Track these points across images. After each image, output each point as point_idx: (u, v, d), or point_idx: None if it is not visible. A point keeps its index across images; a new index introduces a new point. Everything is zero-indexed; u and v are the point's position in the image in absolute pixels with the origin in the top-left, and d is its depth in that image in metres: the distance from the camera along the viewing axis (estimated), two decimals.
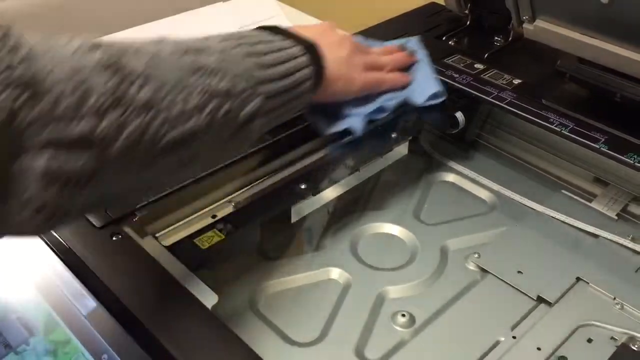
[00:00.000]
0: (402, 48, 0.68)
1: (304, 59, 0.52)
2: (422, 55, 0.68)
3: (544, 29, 0.66)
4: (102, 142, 0.34)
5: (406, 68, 0.66)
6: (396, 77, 0.64)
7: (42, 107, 0.31)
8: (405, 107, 0.64)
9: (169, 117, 0.38)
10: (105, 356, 0.42)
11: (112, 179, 0.36)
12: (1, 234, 0.34)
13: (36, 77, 0.31)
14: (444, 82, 0.68)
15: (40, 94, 0.31)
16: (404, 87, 0.64)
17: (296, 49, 0.52)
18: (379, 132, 0.65)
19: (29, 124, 0.31)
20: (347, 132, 0.60)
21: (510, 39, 0.76)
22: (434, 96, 0.64)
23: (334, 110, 0.61)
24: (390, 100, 0.63)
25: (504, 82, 0.69)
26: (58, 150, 0.32)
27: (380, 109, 0.62)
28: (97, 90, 0.34)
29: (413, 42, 0.69)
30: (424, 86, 0.64)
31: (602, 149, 0.59)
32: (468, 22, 0.80)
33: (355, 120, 0.60)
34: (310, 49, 0.53)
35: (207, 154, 0.44)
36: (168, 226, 0.52)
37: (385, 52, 0.66)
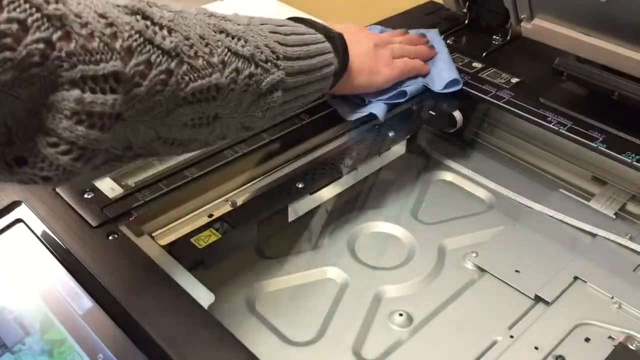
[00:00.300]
0: (422, 38, 0.71)
1: (327, 45, 0.54)
2: (441, 46, 0.70)
3: (542, 27, 0.66)
4: (129, 82, 0.35)
5: (426, 59, 0.69)
6: (419, 65, 0.67)
7: (74, 45, 0.32)
8: (422, 95, 0.67)
9: (193, 66, 0.39)
10: (100, 356, 0.42)
11: (136, 124, 0.37)
12: (34, 177, 0.35)
13: (67, 17, 0.32)
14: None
15: (73, 33, 0.32)
16: (424, 75, 0.67)
17: (320, 36, 0.53)
18: (377, 131, 0.65)
19: (62, 60, 0.32)
20: (369, 117, 0.63)
21: (508, 37, 0.76)
22: (452, 83, 0.66)
23: (356, 95, 0.64)
24: (410, 86, 0.65)
25: (502, 81, 0.69)
26: (87, 87, 0.33)
27: (400, 94, 0.64)
28: (126, 32, 0.35)
29: (432, 34, 0.72)
30: (443, 74, 0.67)
31: (600, 147, 0.59)
32: (466, 21, 0.80)
33: (377, 106, 0.63)
34: (335, 38, 0.55)
35: (227, 116, 0.44)
36: (164, 225, 0.52)
37: (408, 41, 0.69)
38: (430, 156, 0.72)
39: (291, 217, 0.59)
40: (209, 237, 0.52)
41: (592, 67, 0.64)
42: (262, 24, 0.48)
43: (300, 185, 0.58)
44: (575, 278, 0.56)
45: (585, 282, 0.55)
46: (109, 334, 0.43)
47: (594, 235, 0.60)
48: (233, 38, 0.43)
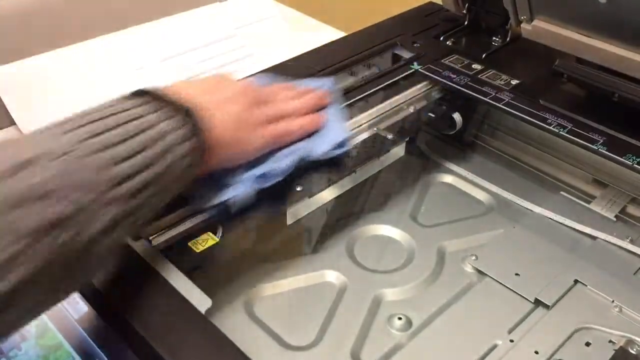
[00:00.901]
0: (310, 89, 0.60)
1: (179, 132, 0.43)
2: (333, 98, 0.61)
3: (542, 28, 0.66)
4: None
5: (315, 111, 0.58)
6: (307, 122, 0.56)
7: None
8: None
9: None
10: None
11: None
12: None
13: None
14: (441, 83, 0.68)
15: None
16: (315, 131, 0.57)
17: (169, 122, 0.43)
18: (376, 133, 0.64)
19: None
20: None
21: (508, 39, 0.76)
22: (340, 145, 0.57)
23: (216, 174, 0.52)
24: (283, 159, 0.54)
25: (502, 83, 0.68)
26: None
27: (268, 175, 0.53)
28: None
29: (328, 83, 0.62)
30: (330, 133, 0.57)
31: (600, 150, 0.58)
32: (466, 22, 0.79)
33: (241, 188, 0.52)
34: (188, 113, 0.44)
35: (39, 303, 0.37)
36: (162, 229, 0.52)
37: (293, 95, 0.59)
38: (429, 158, 0.71)
39: (290, 221, 0.59)
40: (206, 241, 0.51)
41: (593, 68, 0.64)
42: (85, 139, 0.38)
43: (298, 189, 0.57)
44: (576, 281, 0.55)
45: (586, 285, 0.55)
46: (104, 339, 0.43)
47: (594, 238, 0.60)
48: (37, 200, 0.34)
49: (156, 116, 0.43)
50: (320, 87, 0.61)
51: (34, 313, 0.37)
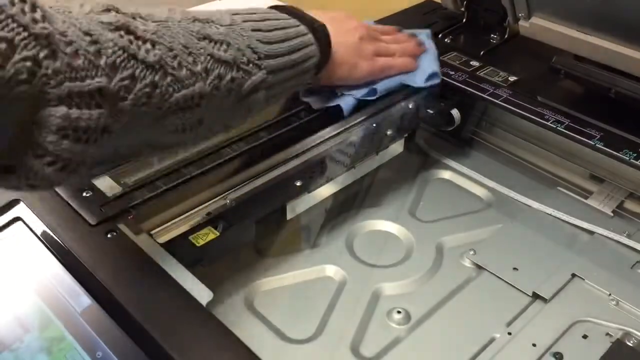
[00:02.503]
0: (412, 37, 0.71)
1: (309, 37, 0.54)
2: (430, 45, 0.70)
3: (540, 26, 0.67)
4: (114, 97, 0.36)
5: (412, 56, 0.68)
6: (404, 63, 0.66)
7: (60, 62, 0.33)
8: (404, 90, 0.67)
9: (177, 77, 0.40)
10: (99, 353, 0.42)
11: (122, 135, 0.38)
12: (20, 185, 0.36)
13: (54, 35, 0.33)
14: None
15: (59, 51, 0.33)
16: (411, 71, 0.67)
17: (303, 28, 0.54)
18: (375, 129, 0.65)
19: (48, 78, 0.33)
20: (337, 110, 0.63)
21: (506, 36, 0.76)
22: (431, 77, 0.66)
23: (329, 86, 0.63)
24: (386, 84, 0.65)
25: (500, 80, 0.69)
26: (74, 103, 0.34)
27: (371, 91, 0.64)
28: (110, 48, 0.36)
29: (424, 35, 0.72)
30: (424, 69, 0.67)
31: (597, 145, 0.59)
32: (464, 20, 0.80)
33: (346, 100, 0.63)
34: (318, 29, 0.55)
35: (211, 120, 0.46)
36: (163, 223, 0.52)
37: (396, 39, 0.69)
38: (428, 154, 0.72)
39: (289, 216, 0.59)
40: (207, 235, 0.52)
41: (590, 65, 0.64)
42: (244, 21, 0.48)
43: (298, 184, 0.58)
44: (573, 275, 0.56)
45: (583, 279, 0.55)
46: (107, 332, 0.43)
47: (591, 233, 0.60)
48: (216, 43, 0.44)
49: (295, 21, 0.54)
50: (418, 34, 0.72)
51: (210, 125, 0.46)
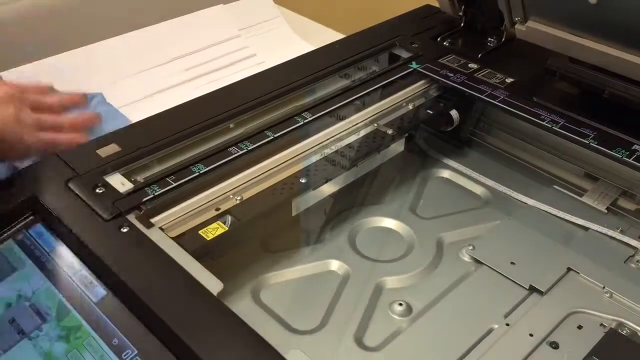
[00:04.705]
0: (84, 99, 0.68)
1: None
2: (107, 108, 0.69)
3: (536, 29, 0.68)
4: None
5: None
6: (73, 139, 0.61)
7: None
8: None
9: None
10: (115, 340, 0.44)
11: None
12: None
13: None
14: (438, 81, 0.71)
15: None
16: None
17: None
18: (376, 129, 0.67)
19: None
20: None
21: (503, 39, 0.78)
22: None
23: None
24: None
25: (497, 81, 0.71)
26: None
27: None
28: None
29: (98, 98, 0.69)
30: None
31: (591, 144, 0.61)
32: (462, 24, 0.82)
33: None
34: None
35: None
36: (174, 218, 0.54)
37: (64, 102, 0.65)
38: (428, 154, 0.74)
39: (294, 212, 0.61)
40: (216, 230, 0.53)
41: (584, 67, 0.66)
42: None
43: (303, 181, 0.59)
44: (569, 269, 0.58)
45: (578, 273, 0.57)
46: (122, 320, 0.45)
47: (586, 228, 0.62)
48: None
49: None
50: (90, 97, 0.69)
51: None
